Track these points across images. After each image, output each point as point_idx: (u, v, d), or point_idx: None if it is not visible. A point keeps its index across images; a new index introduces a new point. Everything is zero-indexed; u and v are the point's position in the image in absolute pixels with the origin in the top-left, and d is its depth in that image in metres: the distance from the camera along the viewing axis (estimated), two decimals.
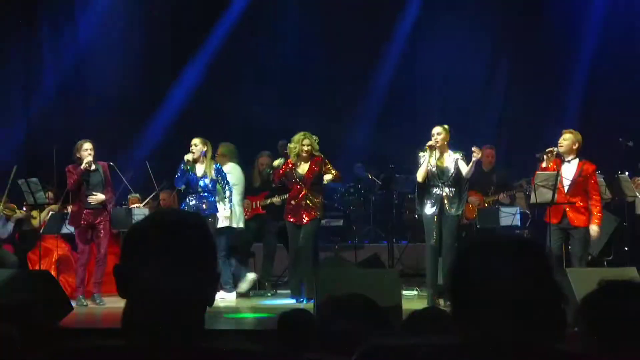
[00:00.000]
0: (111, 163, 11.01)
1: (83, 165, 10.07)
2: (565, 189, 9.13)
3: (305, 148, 10.24)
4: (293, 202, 10.35)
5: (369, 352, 2.07)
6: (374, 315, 3.32)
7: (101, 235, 10.17)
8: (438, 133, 9.36)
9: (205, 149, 10.47)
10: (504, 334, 1.88)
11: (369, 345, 2.10)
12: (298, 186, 10.32)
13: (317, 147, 10.33)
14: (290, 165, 10.40)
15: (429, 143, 9.34)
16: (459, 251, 2.10)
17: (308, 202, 10.27)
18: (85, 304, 10.02)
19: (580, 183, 9.14)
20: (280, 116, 14.26)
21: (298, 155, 10.30)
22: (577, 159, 9.16)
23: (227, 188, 10.55)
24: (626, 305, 2.40)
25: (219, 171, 10.56)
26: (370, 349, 2.08)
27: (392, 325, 3.30)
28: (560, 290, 1.95)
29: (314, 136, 10.36)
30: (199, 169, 10.48)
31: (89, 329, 8.02)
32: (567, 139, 9.17)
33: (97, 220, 10.18)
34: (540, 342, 1.89)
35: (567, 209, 9.12)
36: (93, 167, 10.17)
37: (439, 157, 9.38)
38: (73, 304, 9.00)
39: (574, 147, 9.15)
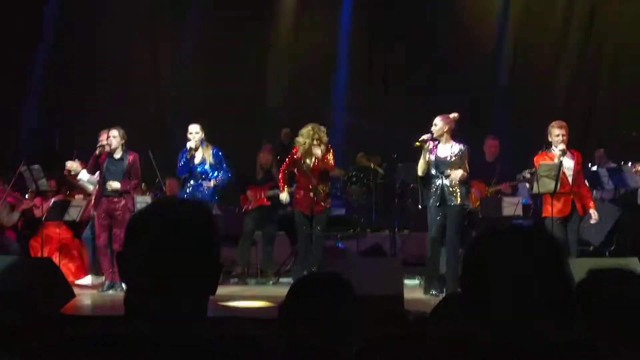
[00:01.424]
0: (149, 151, 11.08)
1: (97, 151, 10.08)
2: (570, 179, 9.16)
3: (315, 143, 10.19)
4: (302, 192, 10.33)
5: (373, 342, 2.07)
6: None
7: (117, 226, 10.06)
8: (435, 124, 9.34)
9: (203, 134, 10.45)
10: (514, 322, 1.88)
11: (374, 335, 2.09)
12: (307, 177, 10.28)
13: (325, 138, 10.27)
14: (298, 157, 10.35)
15: (422, 137, 9.30)
16: (472, 239, 2.10)
17: (317, 192, 10.24)
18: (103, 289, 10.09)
19: (578, 172, 9.23)
20: (284, 104, 14.28)
21: (308, 148, 10.23)
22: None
23: (220, 173, 10.50)
24: (616, 292, 2.40)
25: (216, 155, 10.52)
26: (375, 339, 2.08)
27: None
28: (570, 282, 1.95)
29: (322, 127, 10.32)
30: (197, 156, 10.45)
31: (92, 316, 8.02)
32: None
33: (115, 209, 10.14)
34: (548, 332, 1.89)
35: (575, 200, 9.16)
36: (118, 155, 10.14)
37: (440, 147, 9.33)
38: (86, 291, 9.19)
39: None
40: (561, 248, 1.99)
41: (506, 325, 1.89)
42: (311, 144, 10.17)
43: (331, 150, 10.37)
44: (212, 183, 10.45)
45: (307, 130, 10.25)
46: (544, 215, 9.35)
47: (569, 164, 9.18)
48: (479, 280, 1.96)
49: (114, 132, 10.05)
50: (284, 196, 10.59)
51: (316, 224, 10.24)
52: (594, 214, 9.29)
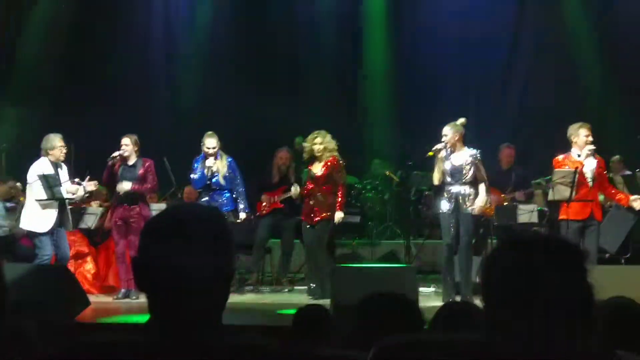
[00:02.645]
0: (164, 158, 11.11)
1: (110, 162, 10.12)
2: (590, 184, 9.15)
3: (317, 147, 10.15)
4: (306, 201, 10.33)
5: (387, 349, 2.06)
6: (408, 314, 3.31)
7: (132, 233, 10.08)
8: (444, 134, 9.32)
9: (219, 146, 10.50)
10: (534, 333, 1.87)
11: (387, 341, 2.09)
12: (311, 185, 10.27)
13: (332, 146, 10.24)
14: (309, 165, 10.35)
15: (435, 147, 9.29)
16: (494, 248, 2.08)
17: (318, 201, 10.18)
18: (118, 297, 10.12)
19: (600, 176, 9.22)
20: (297, 113, 14.27)
21: (312, 154, 10.23)
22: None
23: (238, 183, 10.57)
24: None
25: (231, 166, 10.54)
26: (388, 345, 2.07)
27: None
28: (591, 292, 1.93)
29: (327, 135, 10.28)
30: (212, 166, 10.46)
31: (106, 323, 8.03)
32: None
33: (130, 217, 10.18)
34: (569, 343, 1.87)
35: (593, 205, 9.16)
36: (132, 162, 10.19)
37: (453, 155, 9.31)
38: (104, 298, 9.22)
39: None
40: (585, 258, 1.97)
41: (527, 335, 1.88)
42: (311, 147, 10.14)
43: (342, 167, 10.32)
44: (242, 216, 10.56)
45: (311, 135, 10.25)
46: (560, 217, 9.31)
47: (591, 166, 9.16)
48: (500, 289, 1.94)
49: (126, 140, 10.13)
50: (294, 188, 10.64)
51: (312, 234, 10.21)
52: (635, 201, 9.29)
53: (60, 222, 9.90)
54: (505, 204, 10.98)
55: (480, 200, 9.27)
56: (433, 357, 1.97)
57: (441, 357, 1.96)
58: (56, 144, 9.94)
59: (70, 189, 10.05)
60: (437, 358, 1.97)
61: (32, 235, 9.96)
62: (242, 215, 10.56)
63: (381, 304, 3.39)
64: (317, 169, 10.23)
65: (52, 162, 9.89)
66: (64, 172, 10.02)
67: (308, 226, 10.26)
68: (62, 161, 10.06)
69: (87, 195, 10.55)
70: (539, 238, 2.01)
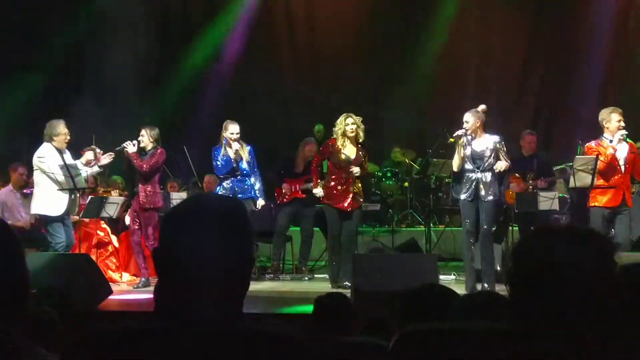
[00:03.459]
0: (184, 147, 11.17)
1: (117, 148, 10.20)
2: (623, 168, 9.11)
3: (349, 128, 9.90)
4: (340, 187, 9.96)
5: (408, 336, 2.06)
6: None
7: (144, 222, 10.20)
8: (466, 121, 9.26)
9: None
10: (562, 321, 1.87)
11: (409, 329, 2.09)
12: (344, 170, 9.93)
13: (362, 128, 10.06)
14: (336, 148, 9.99)
15: (457, 133, 9.23)
16: (524, 236, 2.09)
17: (355, 188, 9.97)
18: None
19: (631, 161, 9.17)
20: (317, 100, 14.28)
21: (344, 135, 9.92)
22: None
23: (256, 171, 10.59)
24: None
25: (251, 154, 10.58)
26: (410, 333, 2.07)
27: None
28: (617, 282, 1.93)
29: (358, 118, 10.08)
30: (234, 152, 10.51)
31: (129, 311, 8.06)
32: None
33: (139, 207, 10.28)
34: (594, 331, 1.87)
35: (625, 190, 9.12)
36: (147, 151, 10.22)
37: (474, 142, 9.27)
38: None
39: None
40: (614, 249, 1.96)
41: (554, 323, 1.88)
42: (344, 128, 9.88)
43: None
44: (261, 204, 10.55)
45: (341, 117, 10.09)
46: (590, 204, 9.25)
47: (623, 153, 9.12)
48: (528, 278, 1.94)
49: (142, 132, 10.20)
50: (318, 191, 10.44)
51: (351, 221, 10.03)
52: None
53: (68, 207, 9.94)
54: (526, 190, 10.94)
55: (502, 164, 9.19)
56: (456, 344, 1.97)
57: (464, 345, 1.96)
58: (60, 130, 9.95)
59: (86, 158, 10.13)
60: (460, 346, 1.97)
61: (44, 222, 10.00)
62: (261, 202, 10.57)
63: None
64: (352, 152, 9.97)
65: (56, 148, 9.93)
66: (67, 157, 10.03)
67: (341, 212, 9.95)
68: (64, 148, 10.02)
69: (101, 170, 10.52)
70: (567, 227, 2.01)
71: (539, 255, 1.93)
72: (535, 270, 1.92)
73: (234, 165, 10.42)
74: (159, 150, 10.17)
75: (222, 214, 1.94)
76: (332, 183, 10.01)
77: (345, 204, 9.91)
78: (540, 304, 1.90)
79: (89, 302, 7.73)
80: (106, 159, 10.23)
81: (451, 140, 9.29)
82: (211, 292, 1.88)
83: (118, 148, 10.24)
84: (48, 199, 9.82)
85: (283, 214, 11.32)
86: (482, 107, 9.39)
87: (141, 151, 10.18)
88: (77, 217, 10.46)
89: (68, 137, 10.03)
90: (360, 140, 9.98)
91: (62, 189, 9.76)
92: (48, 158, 9.82)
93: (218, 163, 10.51)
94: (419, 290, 3.39)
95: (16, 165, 11.25)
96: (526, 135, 11.24)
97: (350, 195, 9.91)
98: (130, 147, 10.09)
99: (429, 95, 15.19)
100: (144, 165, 10.09)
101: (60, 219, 9.85)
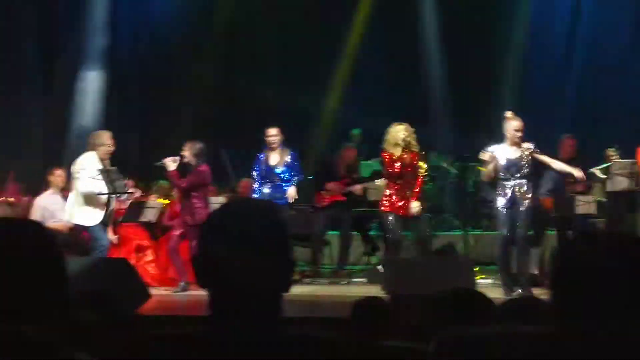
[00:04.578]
0: (223, 151, 11.21)
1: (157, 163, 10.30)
2: None
3: (401, 135, 9.91)
4: (398, 194, 9.95)
5: (448, 341, 2.06)
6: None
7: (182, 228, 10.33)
8: (516, 129, 9.17)
9: (281, 137, 10.61)
10: (604, 325, 1.86)
11: (448, 333, 2.08)
12: (400, 177, 9.97)
13: (413, 135, 10.02)
14: (391, 156, 9.99)
15: (489, 153, 9.14)
16: (565, 240, 2.08)
17: (408, 193, 9.96)
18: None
19: None
20: (354, 107, 14.29)
21: (396, 145, 9.95)
22: None
23: (296, 175, 10.64)
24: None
25: (293, 158, 10.63)
26: (450, 337, 2.07)
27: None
28: None
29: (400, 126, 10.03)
30: (273, 158, 10.59)
31: (169, 316, 8.10)
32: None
33: (181, 213, 10.38)
34: (637, 337, 1.86)
35: None
36: (191, 166, 10.30)
37: (509, 150, 9.21)
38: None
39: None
40: None
41: (598, 328, 1.87)
42: (395, 137, 9.91)
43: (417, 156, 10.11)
44: (293, 191, 10.55)
45: (394, 127, 10.06)
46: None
47: None
48: (571, 282, 1.93)
49: (185, 147, 10.24)
50: (380, 181, 10.45)
51: (418, 227, 10.06)
52: None
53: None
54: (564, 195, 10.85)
55: (579, 172, 9.16)
56: (496, 349, 1.96)
57: (505, 350, 1.96)
58: (105, 141, 10.02)
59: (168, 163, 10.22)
60: (500, 350, 1.96)
61: (83, 227, 10.06)
62: (292, 190, 10.59)
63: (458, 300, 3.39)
64: (406, 160, 9.99)
65: (99, 158, 9.97)
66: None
67: (399, 217, 9.93)
68: (106, 159, 10.06)
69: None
70: (613, 232, 2.00)
71: (582, 260, 1.92)
72: (578, 275, 1.91)
73: (269, 173, 10.49)
74: (201, 168, 10.20)
75: (259, 219, 1.95)
76: (390, 191, 10.02)
77: (404, 210, 9.91)
78: (582, 309, 1.89)
79: (128, 307, 7.77)
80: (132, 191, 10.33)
81: (483, 157, 9.24)
82: (250, 298, 1.89)
83: (158, 164, 10.30)
84: (83, 208, 9.88)
85: (322, 218, 11.34)
86: (507, 113, 9.35)
87: (185, 167, 10.23)
88: None
89: (111, 148, 10.06)
90: (412, 148, 9.97)
91: (101, 194, 9.83)
92: (88, 166, 9.89)
93: (256, 167, 10.61)
94: (449, 295, 3.39)
95: (53, 168, 11.34)
96: (566, 139, 11.10)
97: (407, 200, 9.92)
98: (171, 165, 10.13)
99: (465, 99, 15.16)
100: (183, 184, 10.16)
101: (99, 227, 9.92)
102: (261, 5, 16.08)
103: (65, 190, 10.95)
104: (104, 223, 9.97)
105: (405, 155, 9.93)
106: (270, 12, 15.93)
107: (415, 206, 9.97)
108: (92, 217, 9.86)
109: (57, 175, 11.09)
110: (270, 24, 16.00)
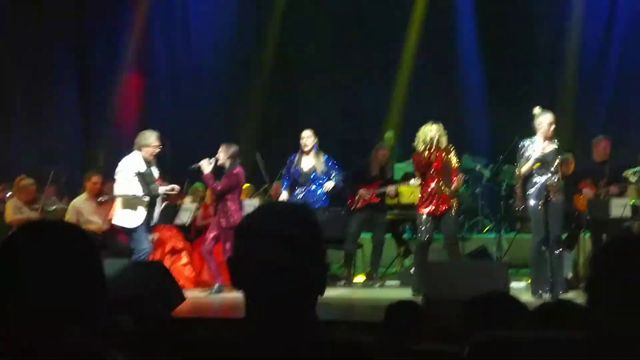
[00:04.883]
0: (258, 154, 11.24)
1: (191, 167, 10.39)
2: None
3: (432, 134, 9.76)
4: (429, 192, 9.83)
5: (482, 345, 2.06)
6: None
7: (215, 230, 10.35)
8: (551, 123, 9.15)
9: (316, 140, 10.61)
10: None
11: (482, 337, 2.08)
12: (433, 176, 9.85)
13: (444, 134, 9.88)
14: (422, 155, 9.84)
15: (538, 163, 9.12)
16: (601, 245, 2.07)
17: (446, 190, 9.83)
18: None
19: None
20: (386, 107, 14.28)
21: (428, 144, 9.81)
22: None
23: (334, 174, 10.66)
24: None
25: (328, 162, 10.65)
26: (484, 342, 2.07)
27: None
28: None
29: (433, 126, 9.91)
30: (306, 162, 10.59)
31: (203, 318, 8.13)
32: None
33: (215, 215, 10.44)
34: None
35: None
36: (226, 168, 10.32)
37: (543, 145, 9.18)
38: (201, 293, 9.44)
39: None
40: None
41: (633, 333, 1.86)
42: (426, 135, 9.79)
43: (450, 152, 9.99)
44: (331, 184, 10.58)
45: (424, 126, 9.97)
46: None
47: None
48: (608, 287, 1.92)
49: (220, 149, 10.26)
50: (414, 181, 10.45)
51: (447, 226, 9.92)
52: None
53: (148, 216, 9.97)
54: (599, 197, 10.77)
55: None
56: (530, 354, 1.96)
57: (540, 354, 1.95)
58: (151, 141, 9.96)
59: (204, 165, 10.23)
60: (535, 355, 1.96)
61: (126, 231, 10.10)
62: (331, 184, 10.62)
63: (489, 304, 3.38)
64: (438, 156, 9.88)
65: (144, 159, 9.99)
66: (154, 170, 10.10)
67: (433, 217, 9.82)
68: (152, 160, 10.05)
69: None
70: None
71: (618, 264, 1.91)
72: (613, 279, 1.90)
73: (301, 177, 10.52)
74: (236, 171, 10.21)
75: (292, 223, 1.96)
76: (423, 191, 9.94)
77: (436, 208, 9.82)
78: (619, 313, 1.88)
79: (163, 309, 7.81)
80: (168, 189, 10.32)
81: (536, 166, 9.16)
82: (284, 300, 1.90)
83: (193, 166, 10.33)
84: (125, 210, 9.91)
85: (355, 220, 11.30)
86: (536, 109, 9.31)
87: (220, 169, 10.27)
88: None
89: (158, 150, 10.04)
90: (443, 147, 9.91)
91: (136, 197, 9.86)
92: (127, 168, 9.91)
93: (288, 169, 10.65)
94: (481, 298, 3.38)
95: (90, 174, 11.35)
96: (601, 140, 10.99)
97: (442, 198, 9.84)
98: (206, 167, 10.15)
99: (499, 100, 15.10)
100: (217, 187, 10.18)
101: (142, 228, 9.93)
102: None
103: (100, 196, 11.04)
104: (147, 226, 9.95)
105: (437, 154, 9.87)
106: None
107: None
108: (133, 219, 9.87)
109: (93, 182, 11.13)
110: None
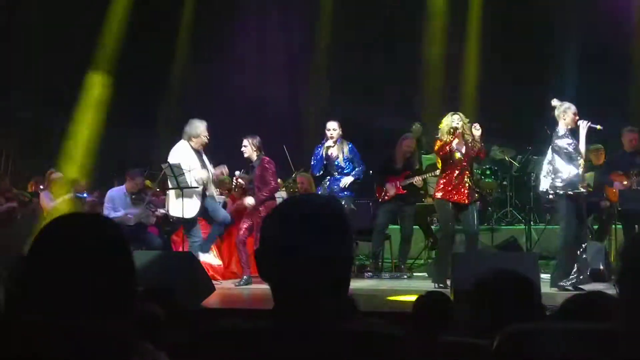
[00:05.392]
0: (283, 146, 11.26)
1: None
2: None
3: (456, 124, 9.76)
4: (455, 181, 9.78)
5: (512, 337, 2.05)
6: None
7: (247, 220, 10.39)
8: (575, 112, 9.12)
9: (340, 131, 10.67)
10: None
11: (512, 329, 2.08)
12: (459, 165, 9.83)
13: (467, 123, 9.88)
14: (445, 144, 9.81)
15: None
16: (633, 236, 2.06)
17: (470, 181, 9.86)
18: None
19: None
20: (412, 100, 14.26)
21: (450, 133, 9.78)
22: None
23: (356, 167, 10.68)
24: None
25: (352, 151, 10.67)
26: (514, 333, 2.06)
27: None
28: None
29: (454, 116, 9.91)
30: (333, 151, 10.64)
31: (232, 309, 8.15)
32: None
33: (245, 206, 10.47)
34: None
35: None
36: (253, 161, 10.29)
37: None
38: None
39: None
40: None
41: None
42: (449, 125, 9.80)
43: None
44: (349, 179, 10.60)
45: (447, 116, 9.98)
46: None
47: None
48: (638, 279, 1.90)
49: (245, 142, 10.24)
50: (419, 180, 10.50)
51: (470, 216, 9.83)
52: None
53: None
54: (630, 188, 10.70)
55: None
56: (560, 345, 1.95)
57: (570, 345, 1.94)
58: (201, 131, 10.03)
59: (198, 175, 10.08)
60: (565, 346, 1.95)
61: (182, 221, 10.15)
62: (349, 179, 10.64)
63: (500, 285, 3.37)
64: (463, 147, 9.86)
65: (193, 148, 10.01)
66: (204, 160, 10.13)
67: (457, 206, 9.80)
68: (201, 150, 10.13)
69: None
70: None
71: None
72: None
73: (325, 162, 10.57)
74: (265, 161, 10.24)
75: (320, 215, 1.97)
76: (445, 180, 9.88)
77: (461, 197, 9.77)
78: None
79: (193, 300, 7.85)
80: (218, 170, 10.35)
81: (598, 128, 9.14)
82: (312, 292, 1.91)
83: (234, 185, 10.42)
84: (179, 201, 9.95)
85: (383, 212, 11.27)
86: (554, 101, 9.27)
87: (247, 161, 10.29)
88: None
89: (206, 140, 10.10)
90: (466, 136, 9.86)
91: (169, 189, 9.99)
92: (176, 156, 9.95)
93: (312, 162, 10.68)
94: (495, 279, 3.37)
95: (134, 174, 11.44)
96: (627, 132, 10.90)
97: (467, 187, 9.81)
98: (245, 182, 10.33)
99: (526, 92, 15.02)
100: (265, 194, 10.15)
101: (195, 219, 10.03)
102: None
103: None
104: (200, 216, 10.08)
105: (461, 142, 9.83)
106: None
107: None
108: (187, 209, 9.95)
109: (135, 182, 11.24)
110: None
